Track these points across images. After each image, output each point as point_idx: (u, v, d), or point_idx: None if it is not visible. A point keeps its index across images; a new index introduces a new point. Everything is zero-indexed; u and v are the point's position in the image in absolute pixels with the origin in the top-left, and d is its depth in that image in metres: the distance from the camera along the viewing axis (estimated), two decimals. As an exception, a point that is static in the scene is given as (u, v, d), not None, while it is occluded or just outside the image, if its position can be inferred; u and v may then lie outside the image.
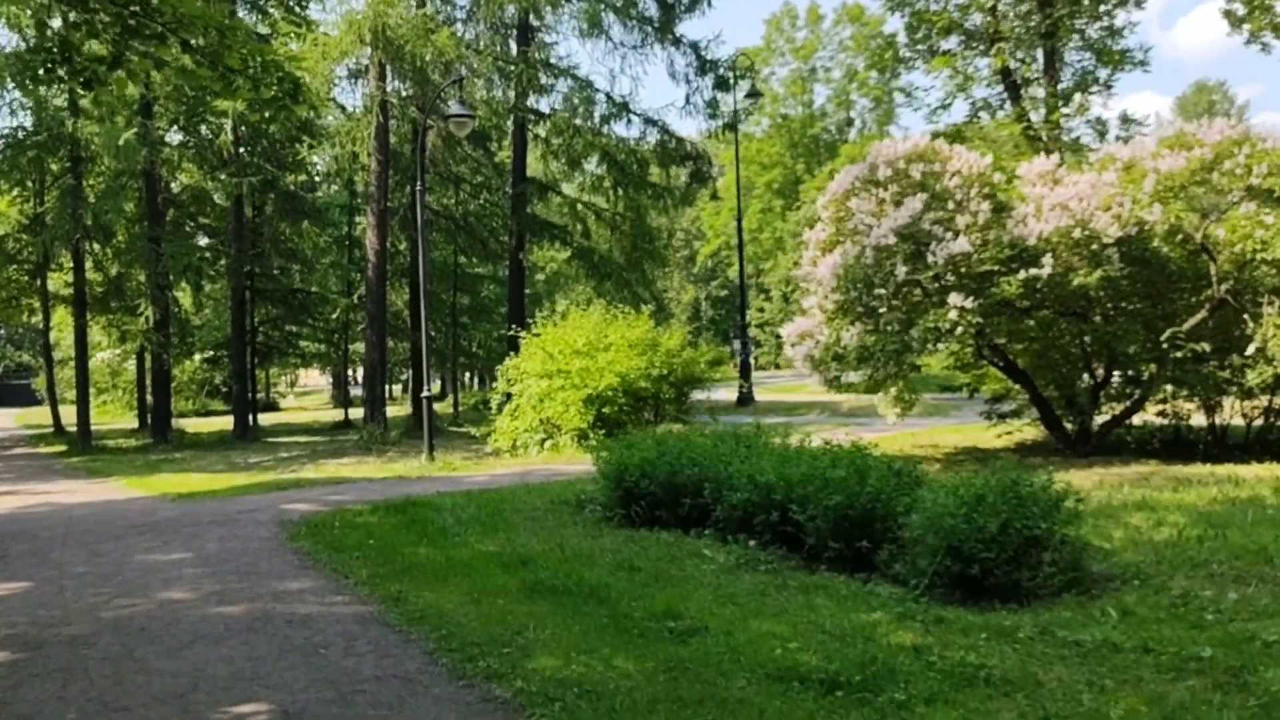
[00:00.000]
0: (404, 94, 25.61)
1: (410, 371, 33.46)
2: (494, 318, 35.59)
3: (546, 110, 28.06)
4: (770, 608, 6.70)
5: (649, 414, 21.33)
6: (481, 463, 18.17)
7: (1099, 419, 16.19)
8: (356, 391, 45.83)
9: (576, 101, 27.04)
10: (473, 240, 31.31)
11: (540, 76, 26.71)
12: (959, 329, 13.82)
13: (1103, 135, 23.77)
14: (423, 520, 10.72)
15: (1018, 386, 17.66)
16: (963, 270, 14.13)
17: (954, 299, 13.78)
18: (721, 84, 26.89)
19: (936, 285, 14.20)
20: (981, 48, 25.48)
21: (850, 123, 60.14)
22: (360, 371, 41.85)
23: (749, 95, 30.97)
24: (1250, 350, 13.40)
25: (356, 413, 36.28)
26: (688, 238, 64.93)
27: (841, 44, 60.18)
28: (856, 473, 8.29)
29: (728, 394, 29.22)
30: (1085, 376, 16.30)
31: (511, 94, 26.44)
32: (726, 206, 57.16)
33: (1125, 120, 24.40)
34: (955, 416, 24.95)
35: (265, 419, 36.24)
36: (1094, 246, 14.08)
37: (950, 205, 14.53)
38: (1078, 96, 23.92)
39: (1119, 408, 16.49)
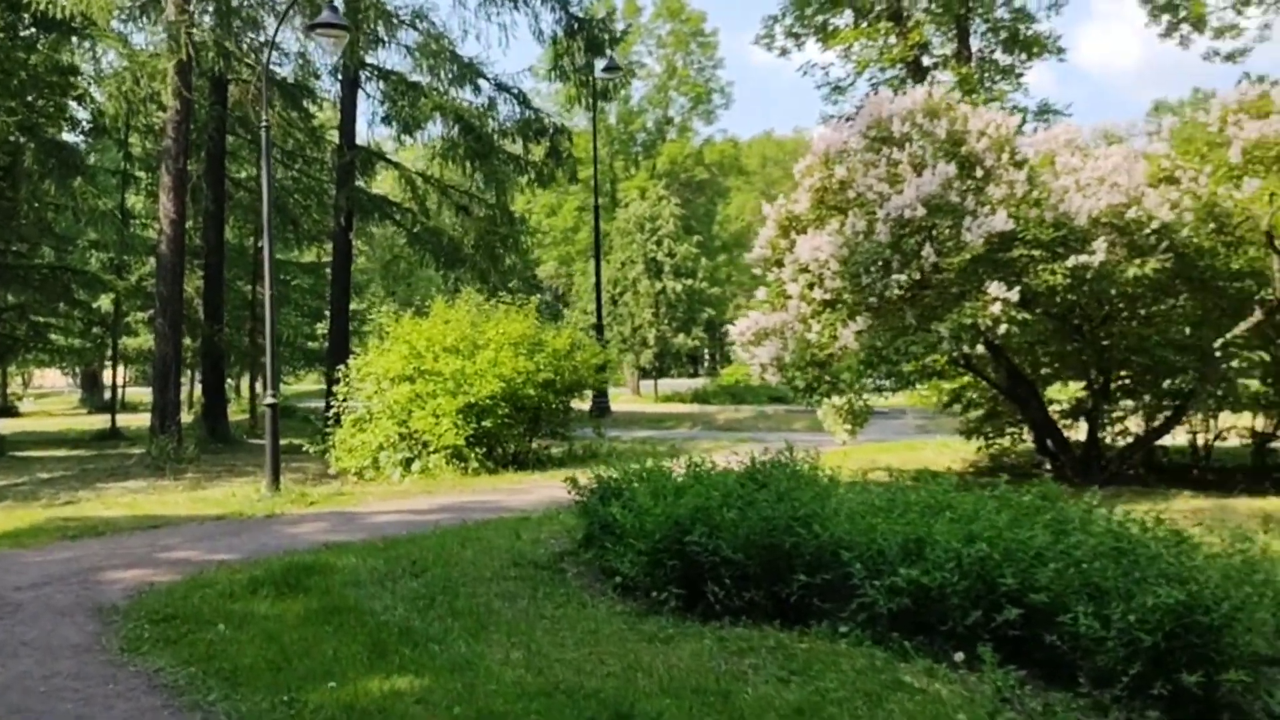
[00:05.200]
0: (206, 31, 20.61)
1: (200, 372, 27.92)
2: (303, 310, 30.59)
3: (381, 66, 23.66)
4: None
5: (521, 428, 17.49)
6: (343, 493, 13.82)
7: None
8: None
9: (420, 57, 22.80)
10: (282, 217, 26.31)
11: (379, 26, 22.36)
12: (1002, 325, 10.89)
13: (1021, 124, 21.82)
14: (350, 606, 6.67)
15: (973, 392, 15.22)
16: (998, 253, 11.30)
17: (994, 288, 10.89)
18: (595, 48, 23.33)
19: (969, 271, 11.25)
20: (883, 26, 23.09)
21: (669, 121, 57.63)
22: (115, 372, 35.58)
23: (608, 69, 27.51)
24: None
25: (124, 419, 30.30)
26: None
27: (660, 40, 57.71)
28: (1179, 552, 5.01)
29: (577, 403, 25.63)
30: (1091, 390, 13.84)
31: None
32: (540, 202, 53.40)
33: (1043, 110, 22.64)
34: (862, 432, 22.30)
35: (4, 426, 29.70)
36: (1146, 231, 11.53)
37: (979, 173, 11.64)
38: (988, 82, 21.90)
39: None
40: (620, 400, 41.15)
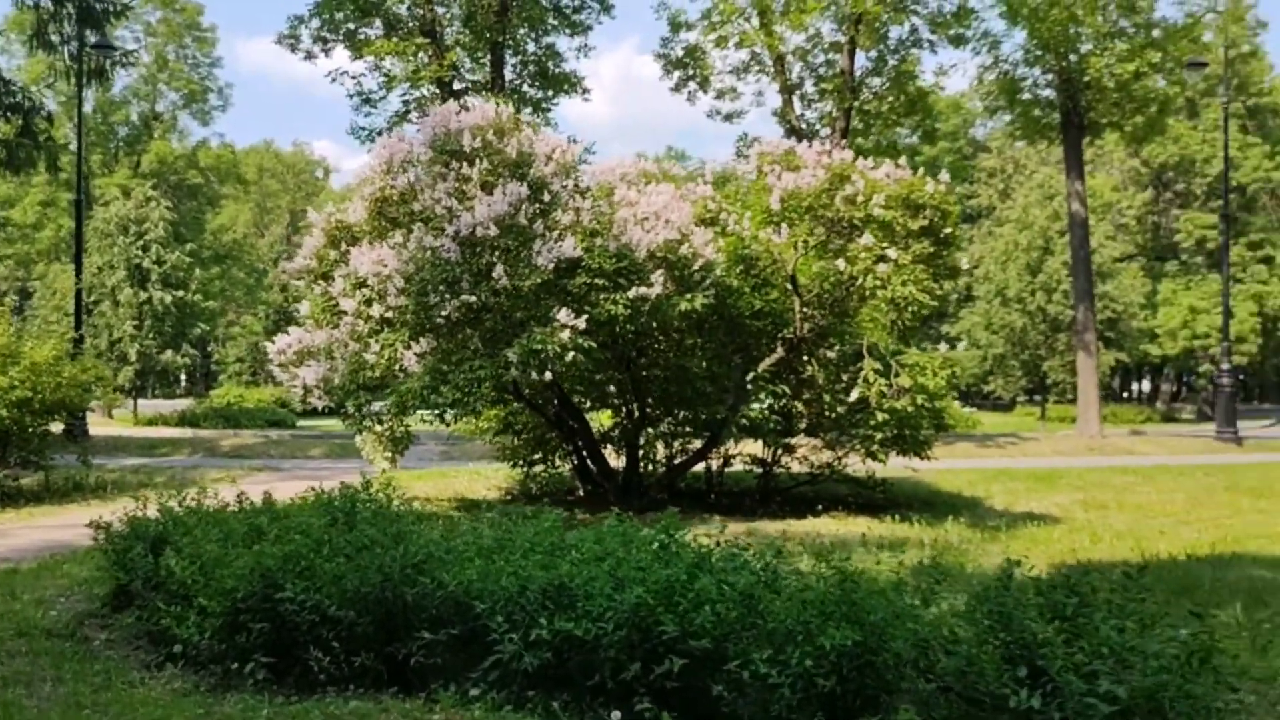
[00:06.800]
0: None
1: None
2: None
3: None
4: None
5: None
6: None
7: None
8: None
9: None
10: None
11: None
12: (569, 353, 10.74)
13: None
14: None
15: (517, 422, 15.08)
16: (564, 280, 11.18)
17: (564, 315, 10.74)
18: (90, 20, 20.23)
19: (533, 297, 10.99)
20: (416, 42, 22.57)
21: (157, 117, 52.26)
22: None
23: (100, 46, 24.09)
24: (853, 397, 12.39)
25: None
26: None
27: (150, 28, 52.32)
28: (848, 588, 4.90)
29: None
30: (630, 417, 14.22)
31: None
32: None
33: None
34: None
35: None
36: (694, 268, 12.05)
37: (546, 196, 11.47)
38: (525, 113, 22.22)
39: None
40: (94, 422, 36.28)
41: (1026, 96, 25.81)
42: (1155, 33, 24.39)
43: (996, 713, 4.55)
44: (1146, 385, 59.54)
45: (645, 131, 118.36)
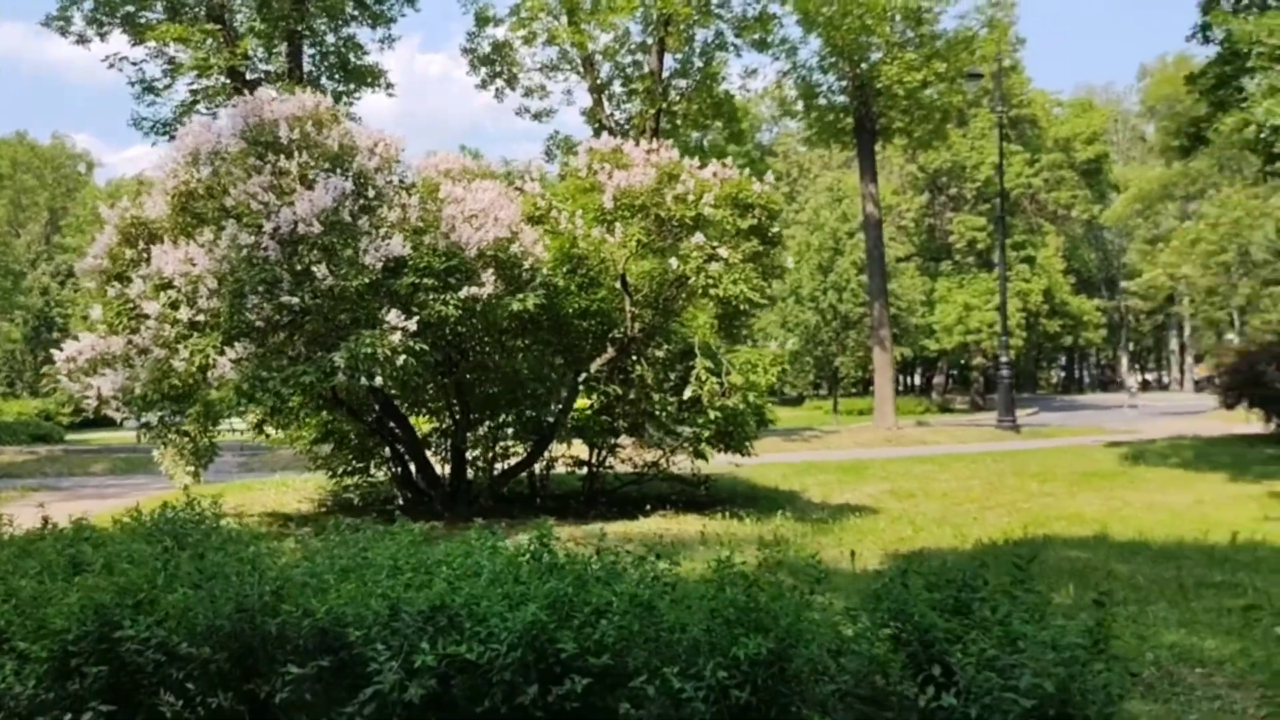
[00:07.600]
0: None
1: None
2: None
3: None
4: None
5: None
6: None
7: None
8: None
9: None
10: None
11: None
12: (400, 356, 10.23)
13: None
14: None
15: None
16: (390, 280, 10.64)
17: (394, 317, 10.25)
18: None
19: (357, 298, 10.40)
20: (204, 28, 21.18)
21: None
22: None
23: None
24: (686, 394, 12.38)
25: None
26: None
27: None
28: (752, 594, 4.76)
29: None
30: (455, 422, 13.72)
31: None
32: None
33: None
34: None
35: None
36: (526, 266, 11.75)
37: (370, 192, 10.90)
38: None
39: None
40: None
41: (822, 102, 26.76)
42: (938, 44, 25.75)
43: (905, 713, 4.53)
44: (918, 379, 63.22)
45: (430, 130, 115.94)
